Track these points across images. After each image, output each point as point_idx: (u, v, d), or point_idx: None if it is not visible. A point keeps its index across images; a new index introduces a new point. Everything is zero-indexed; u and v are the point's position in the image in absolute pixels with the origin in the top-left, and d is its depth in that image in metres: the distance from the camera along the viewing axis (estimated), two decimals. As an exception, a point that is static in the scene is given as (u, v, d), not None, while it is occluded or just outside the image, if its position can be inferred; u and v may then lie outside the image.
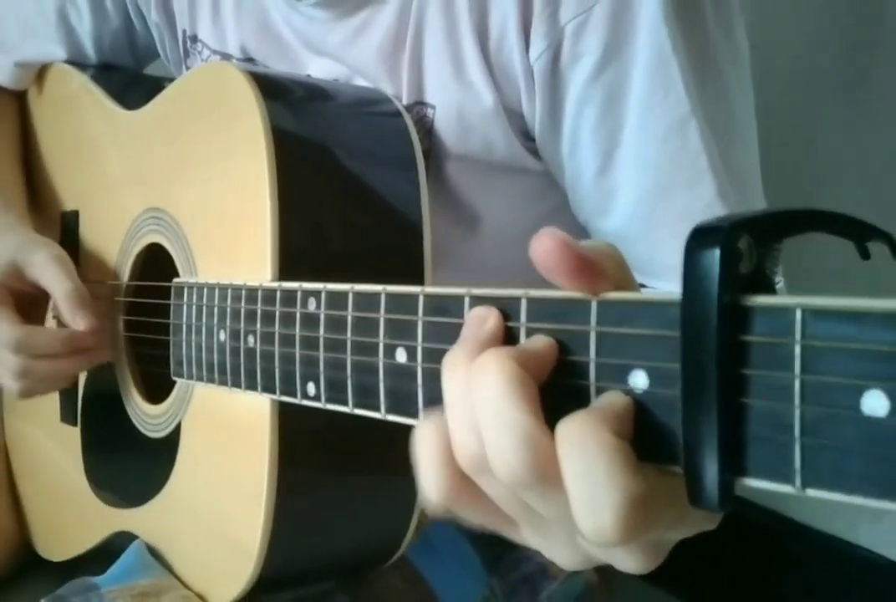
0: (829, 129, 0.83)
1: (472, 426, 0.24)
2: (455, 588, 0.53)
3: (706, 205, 0.43)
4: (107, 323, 0.58)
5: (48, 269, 0.53)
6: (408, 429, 0.27)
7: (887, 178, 0.78)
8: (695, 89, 0.43)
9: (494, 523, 0.26)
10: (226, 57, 0.57)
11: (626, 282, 0.25)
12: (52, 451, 0.66)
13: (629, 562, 0.24)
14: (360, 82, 0.52)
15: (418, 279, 0.45)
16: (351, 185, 0.45)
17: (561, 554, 0.26)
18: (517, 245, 0.48)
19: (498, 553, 0.55)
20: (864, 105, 0.81)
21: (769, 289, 0.22)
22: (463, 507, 0.26)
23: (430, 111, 0.49)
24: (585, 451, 0.22)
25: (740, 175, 0.46)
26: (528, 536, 0.26)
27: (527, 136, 0.49)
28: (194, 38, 0.59)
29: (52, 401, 0.64)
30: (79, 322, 0.52)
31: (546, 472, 0.22)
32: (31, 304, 0.56)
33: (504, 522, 0.26)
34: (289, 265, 0.42)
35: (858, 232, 0.24)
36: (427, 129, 0.49)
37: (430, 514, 0.26)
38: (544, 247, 0.23)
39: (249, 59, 0.57)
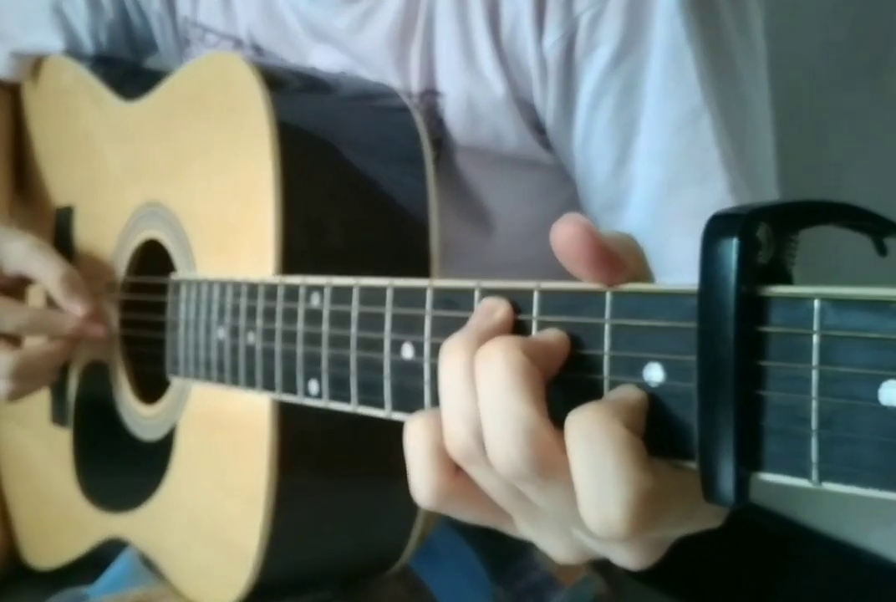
0: (841, 122, 0.83)
1: (466, 415, 0.24)
2: (458, 596, 0.52)
3: (718, 200, 0.43)
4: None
5: (32, 258, 0.52)
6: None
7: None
8: (709, 80, 0.43)
9: (487, 520, 0.26)
10: (237, 42, 0.57)
11: (644, 276, 0.25)
12: (42, 454, 0.65)
13: (627, 557, 0.24)
14: (364, 72, 0.51)
15: (425, 276, 0.45)
16: (356, 181, 0.45)
17: (555, 546, 0.26)
18: (529, 242, 0.48)
19: (503, 561, 0.54)
20: (877, 96, 0.81)
21: (786, 280, 0.22)
22: (453, 505, 0.25)
23: (440, 100, 0.49)
24: (594, 442, 0.22)
25: (754, 170, 0.45)
26: (521, 528, 0.26)
27: (538, 129, 0.48)
28: (196, 24, 0.59)
29: (43, 402, 0.63)
30: (76, 307, 0.51)
31: (544, 465, 0.22)
32: (6, 296, 0.55)
33: (497, 518, 0.26)
34: (290, 261, 0.41)
35: (877, 227, 0.24)
36: (438, 119, 0.49)
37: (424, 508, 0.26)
38: (566, 233, 0.23)
39: (256, 46, 0.56)
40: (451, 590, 0.52)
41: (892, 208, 0.25)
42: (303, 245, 0.42)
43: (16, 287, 0.55)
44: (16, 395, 0.54)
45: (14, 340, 0.54)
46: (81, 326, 0.52)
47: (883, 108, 0.81)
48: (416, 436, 0.25)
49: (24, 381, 0.53)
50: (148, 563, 0.51)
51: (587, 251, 0.23)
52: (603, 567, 0.57)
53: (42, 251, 0.53)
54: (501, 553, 0.54)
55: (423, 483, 0.25)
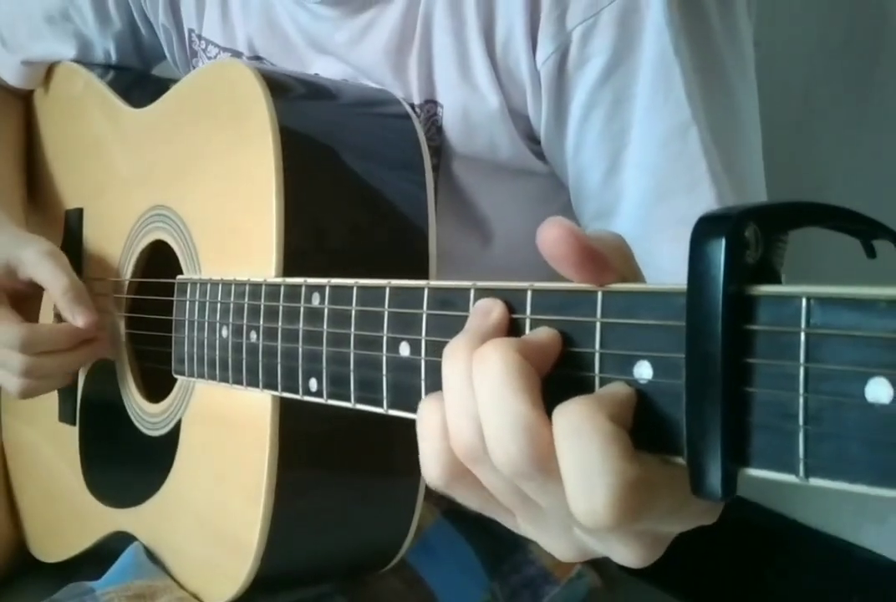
0: (830, 130, 0.83)
1: (468, 415, 0.24)
2: (455, 591, 0.52)
3: (705, 209, 0.43)
4: (108, 319, 0.58)
5: (42, 266, 0.53)
6: (408, 429, 0.28)
7: (889, 180, 0.78)
8: (698, 93, 0.44)
9: (490, 510, 0.26)
10: (235, 54, 0.58)
11: (633, 275, 0.25)
12: (50, 450, 0.66)
13: (626, 554, 0.24)
14: (365, 82, 0.52)
15: (423, 279, 0.45)
16: (357, 185, 0.45)
17: (556, 545, 0.26)
18: (525, 250, 0.48)
19: (499, 556, 0.55)
20: (866, 105, 0.81)
21: (775, 280, 0.22)
22: (459, 492, 0.26)
23: (440, 110, 0.50)
24: (580, 434, 0.22)
25: (742, 181, 0.46)
26: (523, 526, 0.26)
27: (532, 140, 0.49)
28: (201, 37, 0.60)
29: (51, 400, 0.64)
30: (77, 318, 0.52)
31: (545, 463, 0.23)
32: (24, 300, 0.57)
33: (500, 510, 0.26)
34: (293, 263, 0.42)
35: (865, 229, 0.25)
36: (438, 127, 0.50)
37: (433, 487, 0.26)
38: (552, 235, 0.23)
39: (257, 57, 0.57)
40: (448, 584, 0.52)
41: (878, 213, 0.25)
42: (304, 248, 0.42)
43: (32, 292, 0.56)
44: (27, 393, 0.54)
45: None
46: (80, 337, 0.53)
47: (871, 115, 0.81)
48: (429, 415, 0.25)
49: (35, 380, 0.54)
50: (152, 557, 0.52)
51: (572, 252, 0.23)
52: (597, 561, 0.57)
53: (51, 259, 0.53)
54: (498, 548, 0.55)
55: (433, 462, 0.25)
